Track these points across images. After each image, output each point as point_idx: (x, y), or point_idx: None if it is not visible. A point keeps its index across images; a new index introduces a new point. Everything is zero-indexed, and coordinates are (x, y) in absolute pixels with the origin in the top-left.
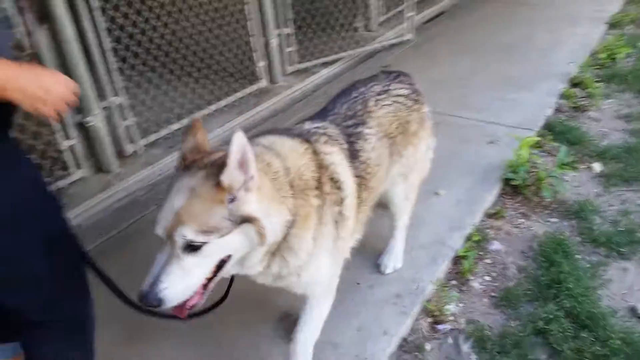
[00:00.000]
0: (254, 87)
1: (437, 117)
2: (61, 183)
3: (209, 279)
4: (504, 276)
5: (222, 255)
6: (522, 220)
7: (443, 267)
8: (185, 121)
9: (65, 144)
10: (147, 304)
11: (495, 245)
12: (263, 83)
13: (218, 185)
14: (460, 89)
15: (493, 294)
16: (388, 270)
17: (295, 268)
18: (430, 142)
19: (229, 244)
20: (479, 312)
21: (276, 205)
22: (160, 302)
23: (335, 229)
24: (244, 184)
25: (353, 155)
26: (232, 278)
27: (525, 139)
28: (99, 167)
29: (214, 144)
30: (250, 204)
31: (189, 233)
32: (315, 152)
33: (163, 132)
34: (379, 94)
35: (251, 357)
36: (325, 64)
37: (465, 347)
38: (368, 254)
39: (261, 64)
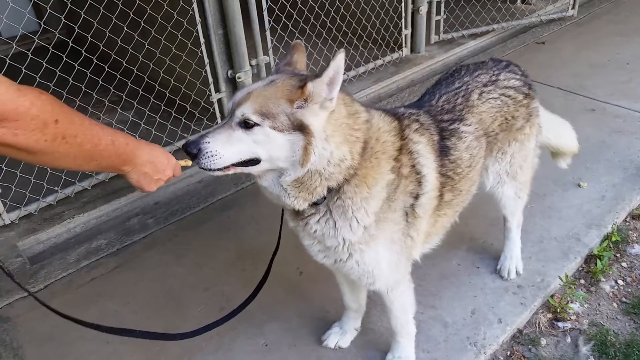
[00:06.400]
0: (394, 56)
1: (590, 103)
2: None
3: (236, 165)
4: None
5: (264, 149)
6: None
7: (574, 264)
8: None
9: (215, 96)
10: (187, 147)
11: (636, 249)
12: (404, 52)
13: (300, 87)
14: (621, 75)
15: (625, 299)
16: (512, 276)
17: (343, 239)
18: (539, 139)
19: (274, 141)
20: (606, 316)
21: (339, 137)
22: (198, 151)
23: (404, 221)
24: (322, 101)
25: (443, 151)
26: (271, 262)
27: None
28: None
29: None
30: (314, 118)
31: (248, 110)
32: (403, 132)
33: None
34: (485, 85)
35: None
36: (473, 36)
37: (585, 349)
38: (492, 240)
39: (406, 32)
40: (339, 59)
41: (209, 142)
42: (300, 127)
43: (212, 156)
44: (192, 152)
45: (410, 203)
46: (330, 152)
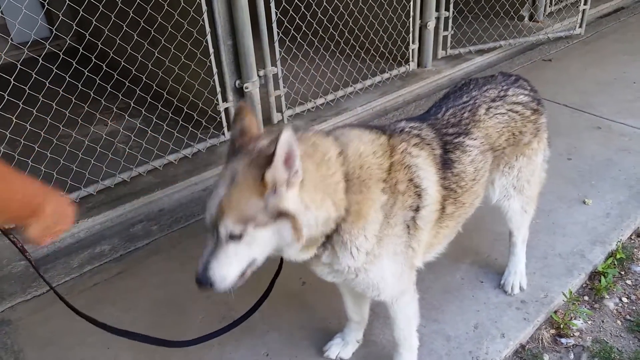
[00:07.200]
0: (401, 70)
1: (596, 121)
2: (213, 141)
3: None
4: None
5: (260, 248)
6: None
7: (578, 281)
8: (329, 97)
9: (222, 106)
10: (202, 287)
11: None
12: (411, 66)
13: (261, 179)
14: (628, 94)
15: (629, 317)
16: (516, 291)
17: (348, 266)
18: (546, 154)
19: (264, 237)
20: (609, 333)
21: (318, 199)
22: (212, 284)
23: (406, 234)
24: (287, 180)
25: (446, 164)
26: (277, 272)
27: None
28: None
29: (352, 122)
30: (289, 200)
31: (229, 224)
32: (394, 148)
33: (308, 105)
34: (493, 100)
35: None
36: (480, 52)
37: None
38: (496, 254)
39: (413, 47)
40: (284, 138)
41: (214, 272)
42: (280, 214)
43: (222, 282)
44: (207, 286)
45: (410, 216)
46: (315, 217)
